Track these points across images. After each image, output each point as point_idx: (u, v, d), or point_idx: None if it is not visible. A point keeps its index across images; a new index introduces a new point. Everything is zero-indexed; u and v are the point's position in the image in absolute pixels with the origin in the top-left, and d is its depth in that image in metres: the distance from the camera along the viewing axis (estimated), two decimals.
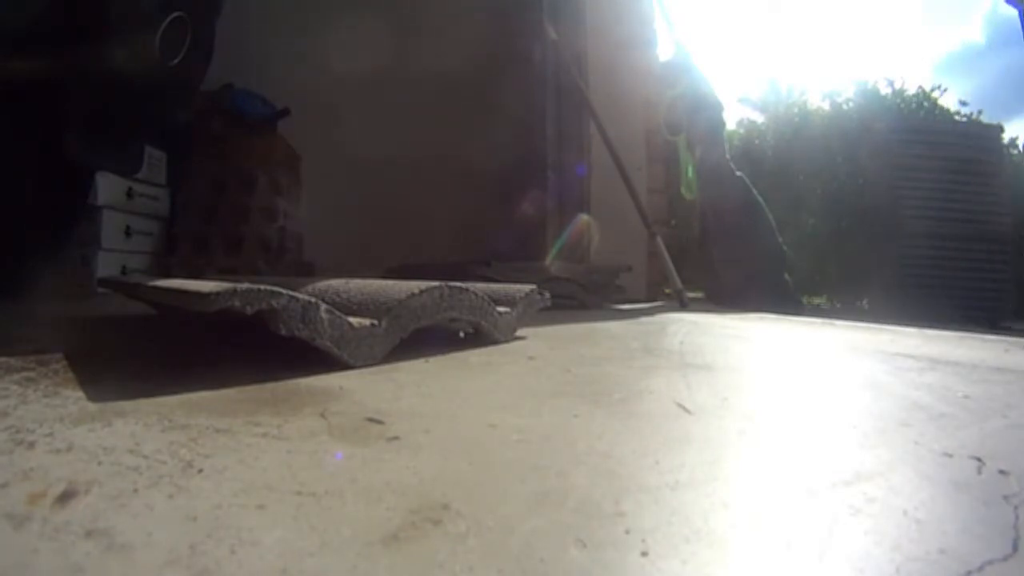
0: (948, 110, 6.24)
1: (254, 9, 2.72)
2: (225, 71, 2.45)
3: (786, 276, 2.97)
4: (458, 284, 0.94)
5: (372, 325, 0.79)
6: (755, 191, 2.95)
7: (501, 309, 1.04)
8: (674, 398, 0.64)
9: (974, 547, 0.31)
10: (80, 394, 0.58)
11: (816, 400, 0.69)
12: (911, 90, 6.25)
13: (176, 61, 1.31)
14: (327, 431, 0.49)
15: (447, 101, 3.17)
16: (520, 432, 0.50)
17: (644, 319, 1.74)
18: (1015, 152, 6.11)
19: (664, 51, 3.29)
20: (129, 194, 2.32)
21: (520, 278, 1.60)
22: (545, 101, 2.90)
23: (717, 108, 3.08)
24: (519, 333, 1.11)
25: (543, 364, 0.84)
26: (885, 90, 6.18)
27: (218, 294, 0.65)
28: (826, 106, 6.26)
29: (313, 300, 0.72)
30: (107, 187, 2.19)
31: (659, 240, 2.55)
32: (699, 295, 3.06)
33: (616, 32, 3.09)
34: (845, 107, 6.16)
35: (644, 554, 0.30)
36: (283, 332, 0.70)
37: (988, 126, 5.32)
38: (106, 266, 2.22)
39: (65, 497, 0.34)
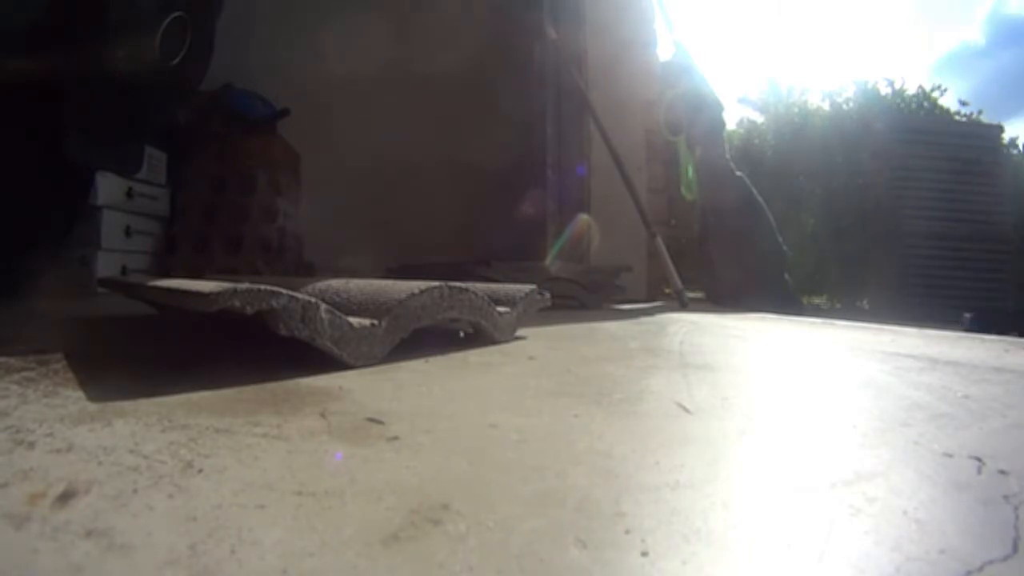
0: (948, 110, 6.25)
1: (254, 9, 2.72)
2: (225, 71, 2.45)
3: (786, 276, 2.97)
4: (458, 284, 0.94)
5: (372, 325, 0.79)
6: (755, 191, 2.95)
7: (501, 309, 1.04)
8: (674, 398, 0.64)
9: (974, 547, 0.31)
10: (80, 394, 0.58)
11: (816, 400, 0.69)
12: (911, 90, 6.27)
13: (176, 61, 1.31)
14: (327, 431, 0.49)
15: (447, 101, 3.17)
16: (520, 432, 0.50)
17: (644, 319, 1.74)
18: (1015, 152, 6.11)
19: (664, 51, 3.29)
20: (129, 194, 2.32)
21: (520, 278, 1.60)
22: (545, 101, 2.89)
23: (717, 108, 3.08)
24: (519, 333, 1.11)
25: (543, 364, 0.84)
26: (885, 90, 6.18)
27: (218, 294, 0.65)
28: (826, 106, 6.27)
29: (313, 300, 0.72)
30: (107, 187, 2.19)
31: (659, 240, 2.55)
32: (699, 295, 3.06)
33: (616, 32, 3.09)
34: (845, 107, 6.17)
35: (644, 554, 0.30)
36: (283, 332, 0.70)
37: (988, 126, 5.33)
38: (106, 266, 2.22)
39: (65, 497, 0.34)
